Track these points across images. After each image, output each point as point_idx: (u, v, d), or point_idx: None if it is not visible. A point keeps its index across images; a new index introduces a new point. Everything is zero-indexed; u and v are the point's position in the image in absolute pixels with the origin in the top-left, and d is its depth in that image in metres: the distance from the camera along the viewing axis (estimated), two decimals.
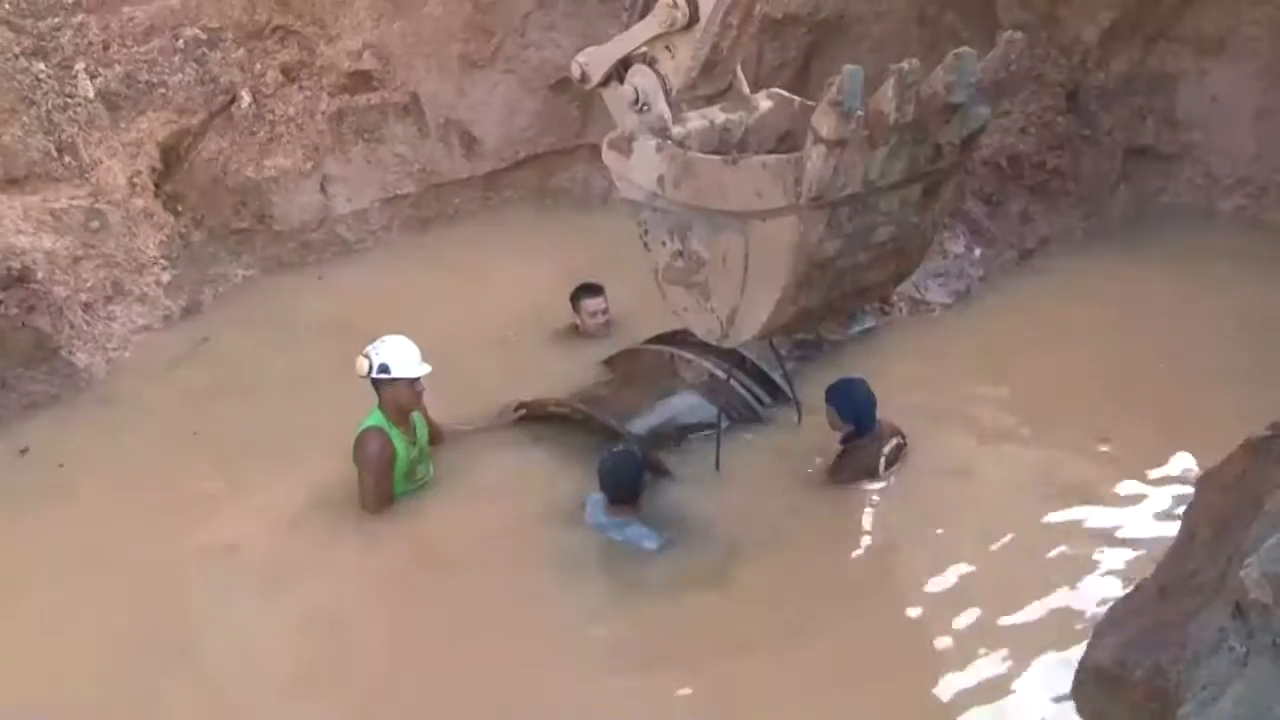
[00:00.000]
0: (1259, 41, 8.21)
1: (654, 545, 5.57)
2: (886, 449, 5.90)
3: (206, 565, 5.65)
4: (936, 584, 5.39)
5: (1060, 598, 5.18)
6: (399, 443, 5.85)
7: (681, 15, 4.93)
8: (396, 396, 5.83)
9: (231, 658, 5.10)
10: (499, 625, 5.20)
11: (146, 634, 5.19)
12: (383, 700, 4.87)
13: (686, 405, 6.42)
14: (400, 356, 5.80)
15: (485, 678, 4.92)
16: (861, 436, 5.90)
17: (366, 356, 5.81)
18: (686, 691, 4.88)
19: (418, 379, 5.84)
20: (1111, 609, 3.75)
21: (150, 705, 4.85)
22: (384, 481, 5.83)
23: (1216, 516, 3.50)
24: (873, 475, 5.89)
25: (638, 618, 5.25)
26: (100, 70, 7.83)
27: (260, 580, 5.55)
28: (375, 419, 5.84)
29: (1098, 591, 5.12)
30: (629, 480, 5.63)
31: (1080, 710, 3.44)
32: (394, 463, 5.84)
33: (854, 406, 5.87)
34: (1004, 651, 4.93)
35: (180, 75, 8.12)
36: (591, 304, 7.42)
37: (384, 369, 5.77)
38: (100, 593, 5.45)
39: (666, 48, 5.15)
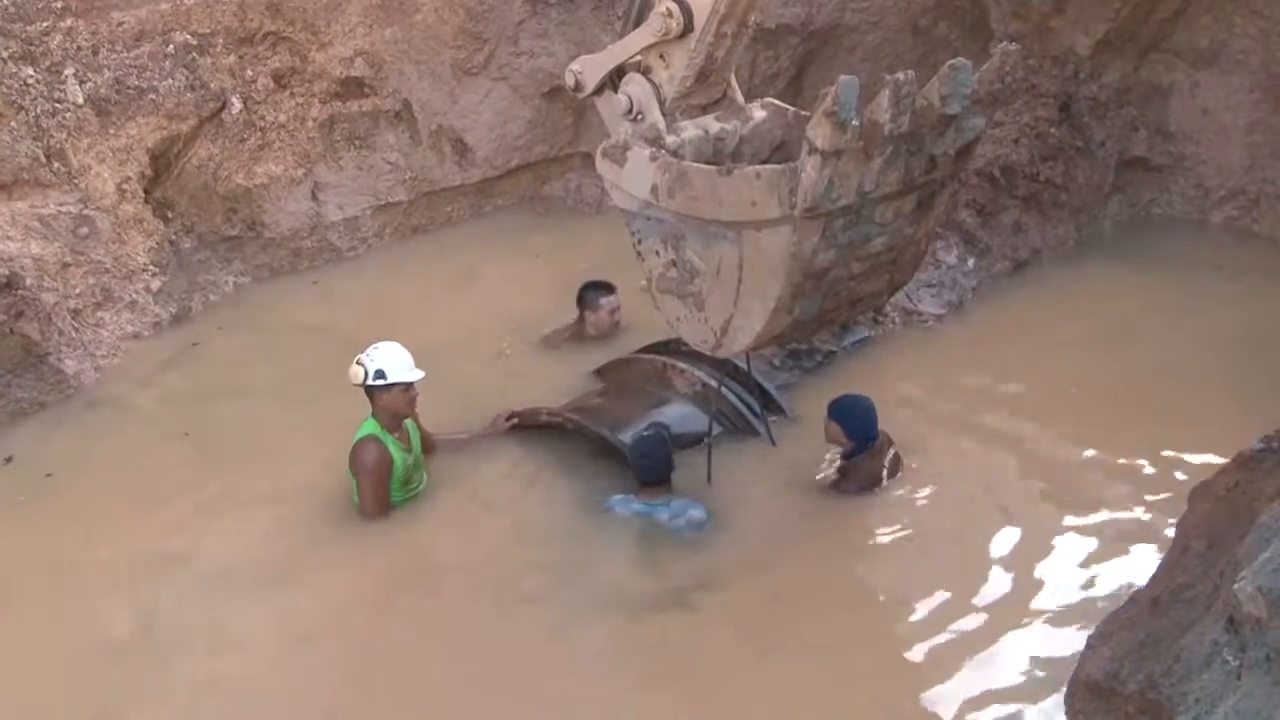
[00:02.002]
0: (1251, 54, 8.24)
1: (702, 514, 5.65)
2: (887, 461, 5.92)
3: (192, 573, 5.62)
4: (928, 595, 5.37)
5: (1052, 609, 5.18)
6: (395, 451, 5.83)
7: (676, 24, 4.93)
8: (391, 403, 5.81)
9: (209, 666, 5.06)
10: (485, 638, 5.18)
11: (123, 641, 5.18)
12: (357, 712, 4.85)
13: (679, 415, 6.39)
14: (395, 362, 5.79)
15: (466, 693, 4.89)
16: (864, 452, 5.90)
17: (361, 364, 5.78)
18: (672, 708, 4.85)
19: (413, 385, 5.83)
20: (1104, 621, 3.73)
21: (121, 711, 4.83)
22: (382, 490, 5.82)
23: (1209, 529, 3.50)
24: (875, 485, 5.89)
25: (626, 631, 5.22)
26: (89, 75, 7.79)
27: (248, 588, 5.51)
28: (370, 427, 5.83)
29: (1090, 603, 5.11)
30: (663, 459, 5.70)
31: None
32: (391, 471, 5.82)
33: (862, 423, 5.86)
34: (995, 663, 4.92)
35: (170, 81, 8.09)
36: (610, 301, 7.41)
37: (380, 375, 5.75)
38: (82, 598, 5.43)
39: (661, 56, 5.15)
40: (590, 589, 5.42)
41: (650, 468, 5.71)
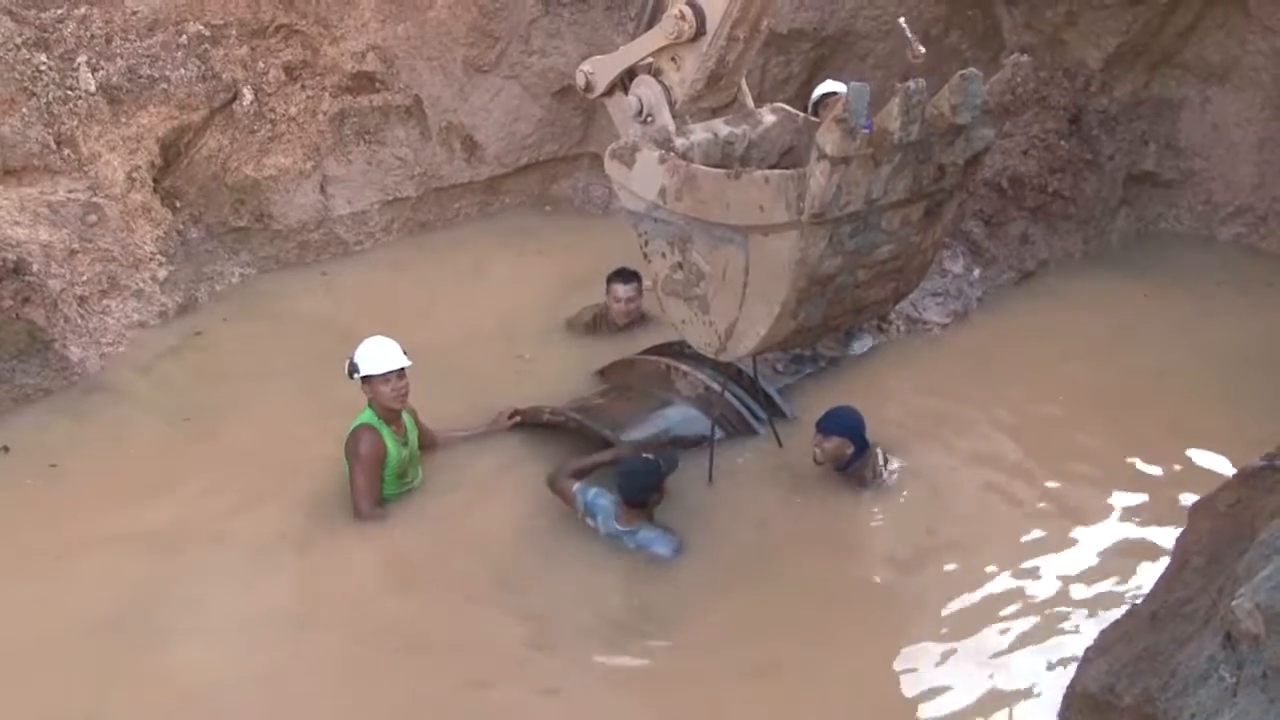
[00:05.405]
0: (1262, 71, 8.24)
1: (667, 552, 5.57)
2: (881, 461, 5.98)
3: (186, 560, 5.63)
4: (924, 604, 5.38)
5: (1050, 620, 5.18)
6: (391, 442, 5.85)
7: (689, 27, 4.93)
8: (377, 394, 5.85)
9: (194, 652, 5.08)
10: (459, 647, 5.16)
11: (115, 626, 5.17)
12: (332, 704, 4.87)
13: (681, 417, 6.40)
14: (369, 355, 5.83)
15: (436, 700, 4.89)
16: (859, 458, 5.94)
17: (349, 358, 5.85)
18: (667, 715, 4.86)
19: (392, 377, 5.81)
20: (1102, 634, 3.74)
21: (110, 693, 4.85)
22: (374, 480, 5.84)
23: (1210, 544, 3.50)
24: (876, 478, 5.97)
25: (610, 648, 5.17)
26: (102, 63, 7.80)
27: (239, 576, 5.53)
28: (367, 417, 5.87)
29: (1088, 615, 5.11)
30: (645, 487, 5.58)
31: None
32: (385, 461, 5.84)
33: (859, 433, 5.92)
34: (991, 674, 4.92)
35: (182, 71, 8.10)
36: (621, 290, 7.41)
37: (354, 368, 5.82)
38: (76, 584, 5.43)
39: (672, 59, 5.15)
40: (579, 601, 5.40)
41: (626, 487, 5.60)
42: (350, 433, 5.85)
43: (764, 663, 4.96)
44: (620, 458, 5.82)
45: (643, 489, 5.58)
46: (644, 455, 5.73)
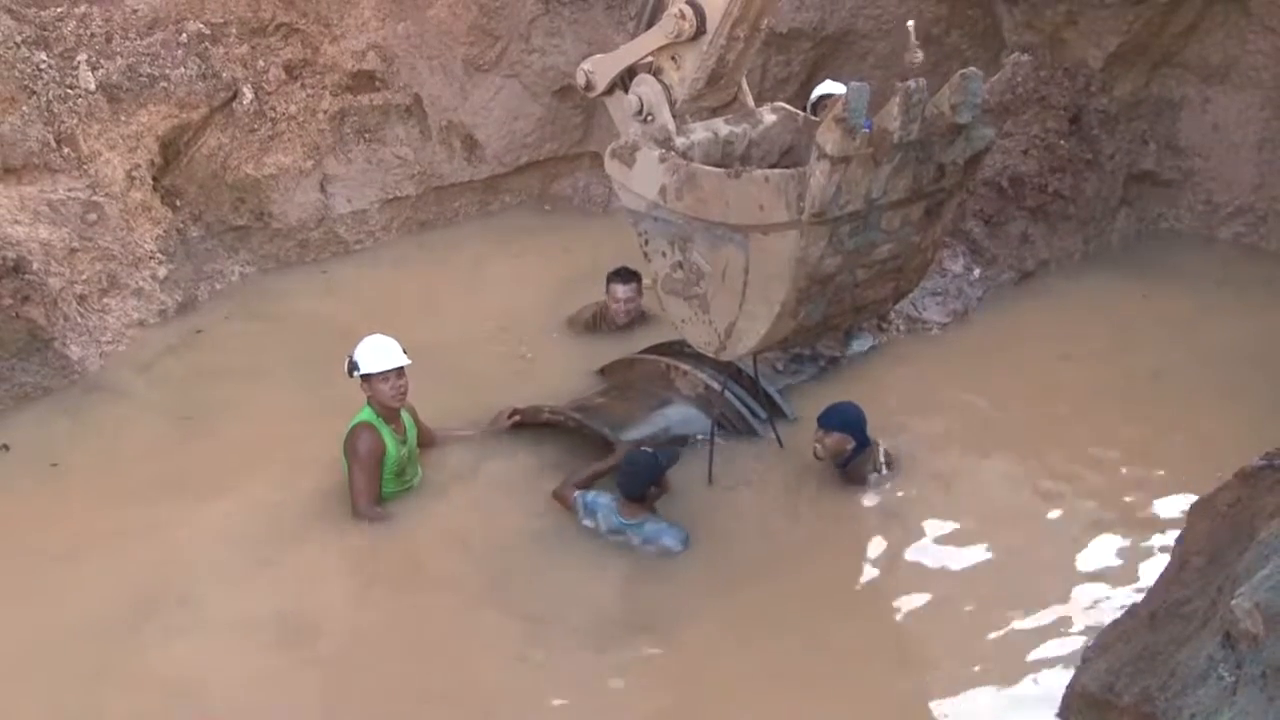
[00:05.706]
0: (1263, 70, 8.23)
1: (676, 544, 5.58)
2: (882, 457, 5.98)
3: (183, 560, 5.64)
4: (924, 604, 5.37)
5: (1049, 621, 5.17)
6: (389, 441, 5.85)
7: (689, 26, 4.93)
8: (376, 393, 5.86)
9: (191, 652, 5.08)
10: (453, 650, 5.15)
11: (109, 627, 5.18)
12: (319, 704, 4.88)
13: (680, 416, 6.40)
14: (368, 353, 5.84)
15: (422, 705, 4.87)
16: (861, 454, 5.95)
17: (349, 356, 5.87)
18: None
19: (391, 375, 5.83)
20: (1101, 634, 3.74)
21: (102, 692, 4.86)
22: (373, 478, 5.84)
23: (1209, 544, 3.51)
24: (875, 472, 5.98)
25: (604, 657, 5.15)
26: (102, 62, 7.80)
27: (236, 576, 5.53)
28: (366, 414, 5.88)
29: (1087, 615, 5.11)
30: (643, 481, 5.59)
31: None
32: (384, 460, 5.84)
33: (860, 428, 5.94)
34: (991, 673, 4.92)
35: (182, 69, 8.09)
36: (620, 289, 7.40)
37: (354, 366, 5.83)
38: (74, 583, 5.44)
39: (673, 58, 5.15)
40: (578, 602, 5.39)
41: (626, 483, 5.63)
42: (349, 431, 5.86)
43: (765, 666, 4.96)
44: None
45: (642, 482, 5.60)
46: (645, 449, 5.75)
